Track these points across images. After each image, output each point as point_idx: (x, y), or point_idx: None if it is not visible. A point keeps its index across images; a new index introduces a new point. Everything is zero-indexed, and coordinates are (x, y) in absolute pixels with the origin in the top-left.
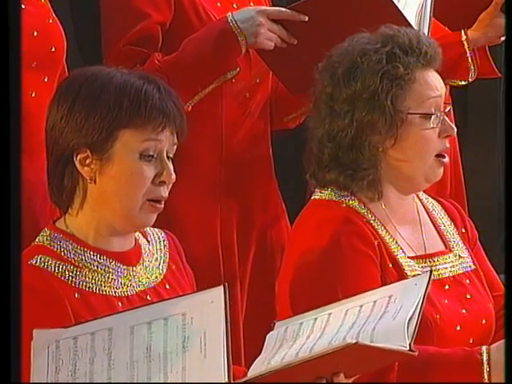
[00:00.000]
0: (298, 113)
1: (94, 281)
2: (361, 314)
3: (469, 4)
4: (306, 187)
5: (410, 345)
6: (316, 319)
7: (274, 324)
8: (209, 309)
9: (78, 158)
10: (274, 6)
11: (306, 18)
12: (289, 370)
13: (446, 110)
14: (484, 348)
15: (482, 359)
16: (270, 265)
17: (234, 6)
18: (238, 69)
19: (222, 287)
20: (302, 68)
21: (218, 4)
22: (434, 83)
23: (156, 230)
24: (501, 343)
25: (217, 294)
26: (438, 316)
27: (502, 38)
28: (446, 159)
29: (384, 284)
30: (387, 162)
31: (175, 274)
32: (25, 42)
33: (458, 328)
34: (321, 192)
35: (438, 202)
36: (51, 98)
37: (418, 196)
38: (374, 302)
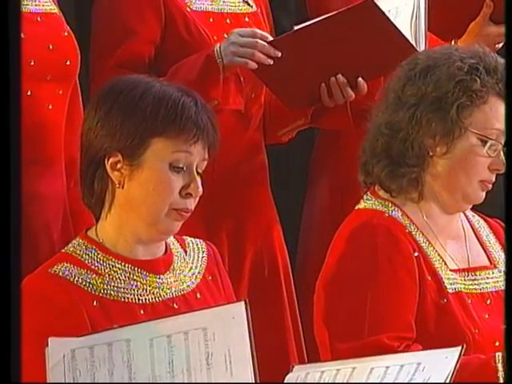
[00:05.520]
0: (292, 127)
1: (115, 288)
2: (386, 376)
3: (458, 14)
4: (302, 197)
5: None
6: (339, 370)
7: (293, 367)
8: (231, 325)
9: (110, 162)
10: (278, 19)
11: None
12: None
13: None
14: (499, 355)
15: (498, 366)
16: (265, 279)
17: (228, 21)
18: (216, 102)
19: (243, 303)
20: (299, 83)
21: (211, 19)
22: (503, 116)
23: (198, 240)
24: None
25: (238, 310)
26: (476, 331)
27: (497, 46)
28: (490, 186)
29: (422, 298)
30: (434, 169)
31: (210, 285)
32: (40, 55)
33: (497, 344)
34: (365, 202)
35: (484, 220)
36: (90, 102)
37: (464, 212)
38: (401, 366)
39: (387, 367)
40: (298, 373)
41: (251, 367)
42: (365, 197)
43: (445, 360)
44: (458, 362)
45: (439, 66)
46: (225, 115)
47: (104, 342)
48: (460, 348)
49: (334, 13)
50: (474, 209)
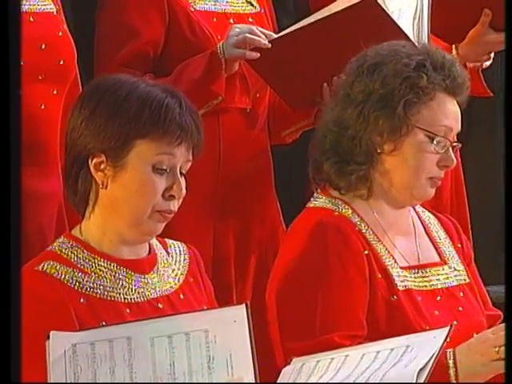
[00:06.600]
0: (296, 127)
1: (101, 287)
2: (376, 360)
3: (460, 18)
4: (303, 197)
5: None
6: (333, 359)
7: (291, 360)
8: (232, 328)
9: (93, 162)
10: (277, 18)
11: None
12: None
13: (455, 144)
14: (449, 351)
15: (449, 363)
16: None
17: (231, 21)
18: (221, 98)
19: (244, 306)
20: (302, 83)
21: (214, 19)
22: (452, 113)
23: (179, 243)
24: (465, 344)
25: (239, 313)
26: (427, 327)
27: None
28: (439, 182)
29: (372, 296)
30: (382, 166)
31: (192, 287)
32: (32, 55)
33: (448, 340)
34: (315, 200)
35: (435, 216)
36: (75, 101)
37: (414, 209)
38: (392, 349)
39: (378, 352)
40: (294, 364)
41: (252, 372)
42: (315, 195)
43: (432, 340)
44: (445, 341)
45: (386, 62)
46: (231, 115)
47: (105, 338)
48: (448, 327)
49: (335, 11)
50: (474, 209)
